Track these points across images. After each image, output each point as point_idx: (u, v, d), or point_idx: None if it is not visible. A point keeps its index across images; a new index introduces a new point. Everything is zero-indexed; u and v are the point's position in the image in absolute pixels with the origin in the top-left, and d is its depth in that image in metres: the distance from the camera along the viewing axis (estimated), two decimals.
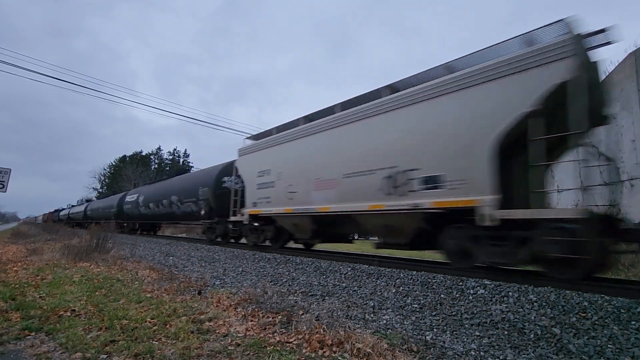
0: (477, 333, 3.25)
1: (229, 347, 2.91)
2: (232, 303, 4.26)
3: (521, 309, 3.52)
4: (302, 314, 3.82)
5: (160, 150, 67.67)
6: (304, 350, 2.87)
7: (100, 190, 56.62)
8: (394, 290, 4.51)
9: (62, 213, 42.32)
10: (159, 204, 15.43)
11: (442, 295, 4.14)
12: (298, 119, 8.40)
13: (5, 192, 9.26)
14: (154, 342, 2.99)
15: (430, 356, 2.82)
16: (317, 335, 3.08)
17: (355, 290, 4.72)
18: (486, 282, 4.20)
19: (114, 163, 62.11)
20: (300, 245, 9.74)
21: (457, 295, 4.08)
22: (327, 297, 4.58)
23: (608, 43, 4.56)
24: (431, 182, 5.31)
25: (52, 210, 54.33)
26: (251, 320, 3.64)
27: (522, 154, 4.66)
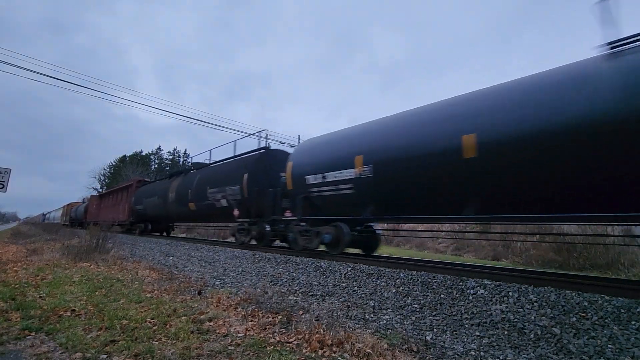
0: (477, 333, 3.25)
1: (229, 347, 2.91)
2: (232, 303, 4.26)
3: (521, 309, 3.51)
4: (302, 314, 3.82)
5: (160, 150, 67.82)
6: (304, 350, 2.87)
7: (100, 190, 56.33)
8: (394, 290, 4.51)
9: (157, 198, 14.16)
10: None
11: (442, 295, 4.14)
12: None
13: (5, 192, 9.27)
14: (154, 342, 2.99)
15: (430, 356, 2.82)
16: (317, 335, 3.08)
17: (355, 290, 4.72)
18: (486, 282, 4.19)
19: (114, 163, 62.25)
20: None
21: (457, 295, 4.08)
22: (327, 297, 4.58)
23: None
24: None
25: (112, 189, 24.37)
26: (251, 320, 3.64)
27: None
